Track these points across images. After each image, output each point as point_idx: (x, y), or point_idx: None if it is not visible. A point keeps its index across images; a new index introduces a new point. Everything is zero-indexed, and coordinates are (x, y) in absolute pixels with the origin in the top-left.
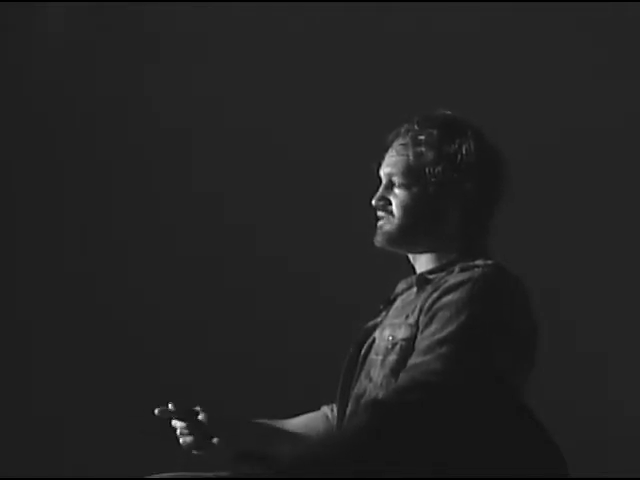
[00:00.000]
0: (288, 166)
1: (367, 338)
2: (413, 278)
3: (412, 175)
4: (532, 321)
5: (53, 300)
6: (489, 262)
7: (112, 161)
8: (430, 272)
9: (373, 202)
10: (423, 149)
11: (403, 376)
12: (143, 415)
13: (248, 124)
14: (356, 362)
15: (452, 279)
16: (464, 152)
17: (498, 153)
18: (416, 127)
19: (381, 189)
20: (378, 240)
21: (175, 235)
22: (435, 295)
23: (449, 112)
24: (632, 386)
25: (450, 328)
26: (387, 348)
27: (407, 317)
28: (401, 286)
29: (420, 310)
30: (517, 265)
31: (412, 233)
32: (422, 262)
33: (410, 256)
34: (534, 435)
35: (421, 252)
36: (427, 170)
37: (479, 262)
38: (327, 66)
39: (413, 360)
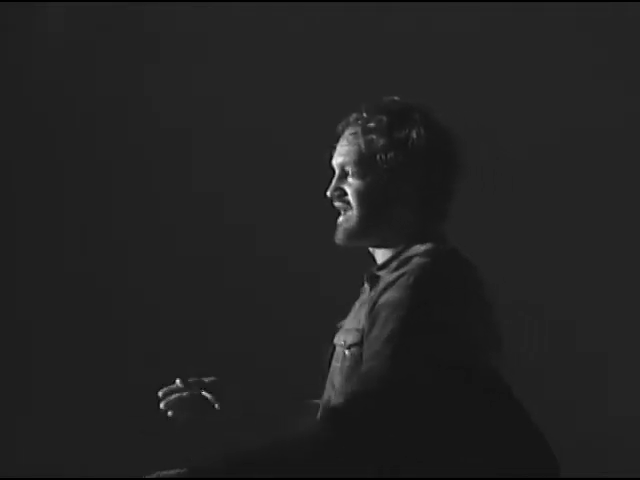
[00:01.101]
0: (288, 166)
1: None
2: (365, 275)
3: (365, 163)
4: (481, 300)
5: (53, 300)
6: (429, 248)
7: (112, 161)
8: (380, 267)
9: (328, 193)
10: (374, 136)
11: (354, 384)
12: (143, 415)
13: (248, 124)
14: (331, 359)
15: (389, 277)
16: (414, 136)
17: (449, 134)
18: (365, 115)
19: (335, 180)
20: (339, 238)
21: (175, 235)
22: (374, 297)
23: (396, 98)
24: (632, 386)
25: (389, 327)
26: (343, 354)
27: (359, 322)
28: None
29: (366, 315)
30: (517, 265)
31: (370, 223)
32: (379, 254)
33: (370, 249)
34: (503, 419)
35: (380, 244)
36: (379, 157)
37: (420, 249)
38: (327, 66)
39: (363, 367)
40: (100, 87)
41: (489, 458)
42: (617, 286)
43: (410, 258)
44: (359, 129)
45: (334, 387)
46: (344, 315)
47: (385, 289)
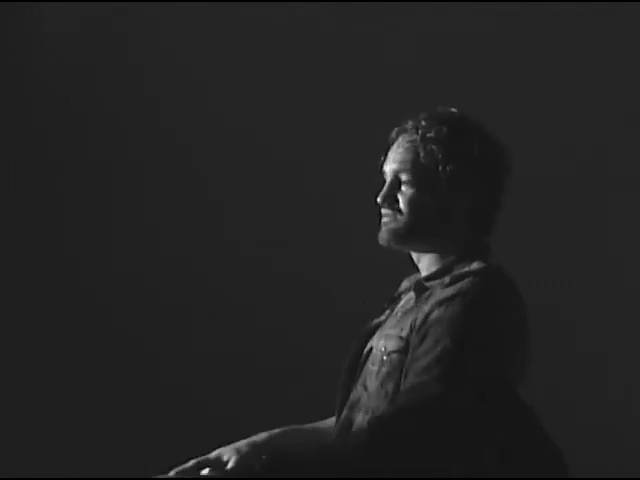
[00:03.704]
0: (291, 167)
1: (368, 338)
2: (412, 283)
3: (422, 173)
4: (524, 327)
5: (53, 300)
6: (483, 266)
7: (112, 161)
8: (428, 278)
9: (379, 199)
10: (434, 147)
11: (402, 399)
12: (143, 415)
13: (250, 124)
14: (357, 362)
15: (443, 293)
16: (475, 150)
17: (504, 150)
18: (424, 123)
19: (387, 186)
20: (383, 238)
21: (175, 236)
22: (426, 310)
23: (454, 109)
24: (632, 386)
25: (443, 345)
26: (382, 359)
27: (402, 329)
28: (405, 284)
29: (413, 325)
30: (518, 265)
31: (419, 232)
32: (425, 262)
33: (414, 255)
34: (537, 444)
35: (425, 251)
36: (439, 168)
37: (473, 267)
38: (321, 66)
39: (410, 380)
40: (100, 87)
41: (506, 471)
42: (617, 286)
43: (465, 275)
44: (417, 137)
45: (366, 389)
46: (372, 316)
47: (440, 304)
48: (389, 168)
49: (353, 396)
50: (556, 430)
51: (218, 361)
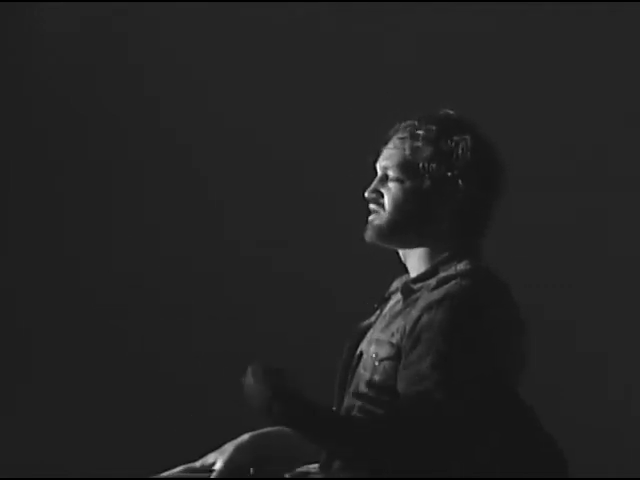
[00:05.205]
0: (291, 167)
1: (359, 340)
2: (400, 285)
3: (407, 169)
4: (517, 327)
5: (53, 301)
6: (470, 268)
7: (112, 161)
8: (415, 280)
9: (365, 194)
10: (420, 144)
11: (402, 408)
12: (143, 415)
13: (250, 124)
14: (349, 366)
15: (430, 296)
16: (460, 150)
17: (496, 154)
18: (416, 123)
19: (375, 182)
20: (368, 235)
21: (175, 236)
22: (415, 315)
23: (451, 111)
24: (632, 386)
25: (435, 350)
26: (373, 366)
27: (392, 335)
28: (395, 284)
29: (403, 331)
30: (518, 265)
31: (402, 229)
32: (413, 262)
33: (401, 253)
34: (537, 444)
35: (411, 249)
36: (422, 165)
37: (460, 268)
38: (321, 66)
39: (407, 388)
40: (100, 87)
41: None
42: (617, 286)
43: (452, 277)
44: (407, 135)
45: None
46: (365, 317)
47: (429, 308)
48: (380, 164)
49: (346, 403)
50: (556, 430)
51: (218, 361)
